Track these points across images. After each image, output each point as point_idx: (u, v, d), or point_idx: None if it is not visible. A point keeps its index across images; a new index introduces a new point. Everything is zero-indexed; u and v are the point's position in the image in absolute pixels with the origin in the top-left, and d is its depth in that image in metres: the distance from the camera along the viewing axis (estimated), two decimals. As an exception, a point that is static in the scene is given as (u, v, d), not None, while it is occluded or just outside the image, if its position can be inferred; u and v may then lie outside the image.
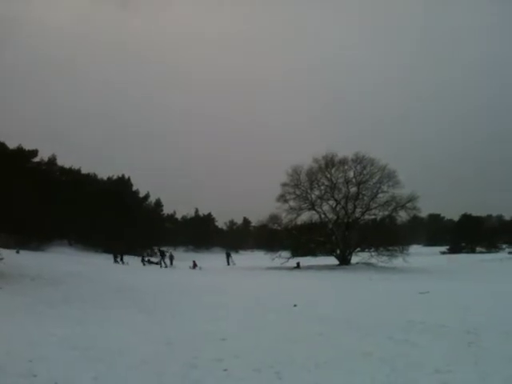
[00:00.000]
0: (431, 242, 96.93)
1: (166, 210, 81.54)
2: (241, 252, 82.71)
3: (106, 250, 47.28)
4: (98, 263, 34.35)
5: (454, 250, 73.59)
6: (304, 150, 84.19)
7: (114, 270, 29.07)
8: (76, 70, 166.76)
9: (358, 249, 41.85)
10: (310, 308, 14.41)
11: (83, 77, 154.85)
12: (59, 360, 7.42)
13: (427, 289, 18.87)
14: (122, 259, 39.84)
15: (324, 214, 42.82)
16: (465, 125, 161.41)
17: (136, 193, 68.36)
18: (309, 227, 42.25)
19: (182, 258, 45.13)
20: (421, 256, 50.66)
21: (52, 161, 55.85)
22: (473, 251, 73.08)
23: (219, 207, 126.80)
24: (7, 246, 27.72)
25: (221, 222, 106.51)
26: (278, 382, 6.56)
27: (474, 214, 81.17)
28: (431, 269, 35.44)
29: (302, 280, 27.85)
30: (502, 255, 54.84)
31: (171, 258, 45.14)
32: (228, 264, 45.33)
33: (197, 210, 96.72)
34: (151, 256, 50.78)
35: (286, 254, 40.55)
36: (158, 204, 75.39)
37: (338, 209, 42.40)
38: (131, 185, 67.50)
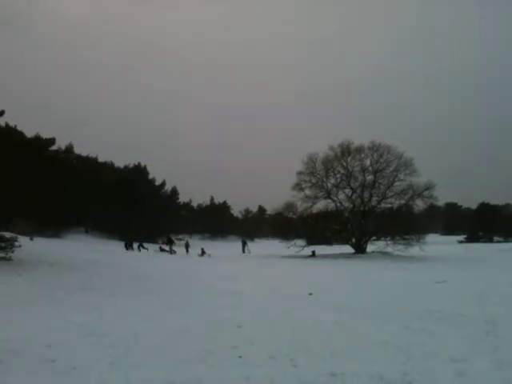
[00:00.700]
0: (448, 231, 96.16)
1: (182, 198, 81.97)
2: (256, 240, 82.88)
3: (122, 237, 47.74)
4: (114, 250, 34.73)
5: (472, 239, 72.86)
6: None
7: (129, 258, 29.32)
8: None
9: (374, 237, 41.73)
10: (325, 296, 14.36)
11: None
12: (77, 346, 7.52)
13: (444, 278, 18.69)
14: (132, 246, 40.33)
15: (340, 202, 42.64)
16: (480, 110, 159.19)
17: (152, 181, 68.73)
18: (324, 216, 42.08)
19: (198, 246, 45.26)
20: (438, 245, 50.28)
21: (69, 149, 56.32)
22: (490, 240, 72.37)
23: (234, 195, 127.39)
24: (25, 234, 28.14)
25: (236, 211, 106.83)
26: (293, 370, 6.55)
27: (492, 202, 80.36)
28: (448, 258, 35.12)
29: (318, 268, 27.78)
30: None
31: (187, 245, 45.46)
32: (243, 252, 45.50)
33: (212, 199, 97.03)
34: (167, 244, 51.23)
35: (301, 242, 40.42)
36: (174, 192, 75.64)
37: (353, 197, 42.16)
38: (147, 173, 67.90)
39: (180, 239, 56.81)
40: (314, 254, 38.85)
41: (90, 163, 59.74)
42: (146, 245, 42.40)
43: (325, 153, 42.00)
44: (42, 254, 21.63)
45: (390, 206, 42.83)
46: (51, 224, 42.82)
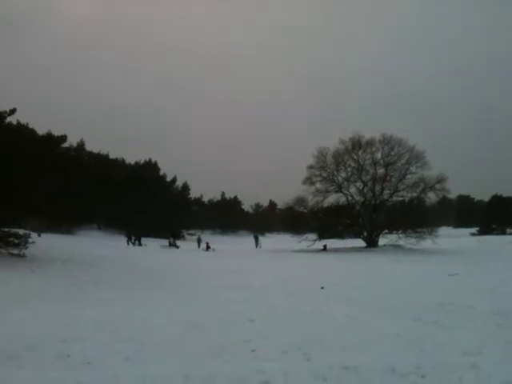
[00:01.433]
0: (461, 223, 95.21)
1: (193, 193, 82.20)
2: (267, 235, 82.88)
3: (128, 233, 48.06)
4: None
5: (484, 231, 72.17)
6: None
7: (140, 254, 29.44)
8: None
9: (386, 231, 41.50)
10: (337, 290, 14.38)
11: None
12: (91, 341, 7.58)
13: (456, 271, 18.62)
14: (135, 241, 40.44)
15: (351, 196, 42.54)
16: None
17: (163, 177, 69.01)
18: (336, 209, 41.98)
19: (209, 240, 45.39)
20: (450, 238, 49.93)
21: (81, 146, 56.77)
22: (503, 233, 71.74)
23: (245, 190, 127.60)
24: (38, 230, 28.35)
25: (247, 205, 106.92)
26: (306, 364, 6.57)
27: (505, 194, 79.57)
28: (461, 250, 34.88)
29: (329, 262, 27.78)
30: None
31: (199, 240, 45.66)
32: (256, 247, 45.56)
33: (223, 194, 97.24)
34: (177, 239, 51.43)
35: (312, 236, 40.34)
36: (185, 188, 75.89)
37: (365, 191, 42.00)
38: (158, 169, 68.20)
39: (192, 234, 57.05)
40: (325, 248, 38.80)
41: (102, 160, 60.15)
42: (152, 240, 42.43)
43: (335, 146, 41.91)
44: (55, 251, 21.82)
45: (401, 199, 42.64)
46: (64, 221, 43.24)
